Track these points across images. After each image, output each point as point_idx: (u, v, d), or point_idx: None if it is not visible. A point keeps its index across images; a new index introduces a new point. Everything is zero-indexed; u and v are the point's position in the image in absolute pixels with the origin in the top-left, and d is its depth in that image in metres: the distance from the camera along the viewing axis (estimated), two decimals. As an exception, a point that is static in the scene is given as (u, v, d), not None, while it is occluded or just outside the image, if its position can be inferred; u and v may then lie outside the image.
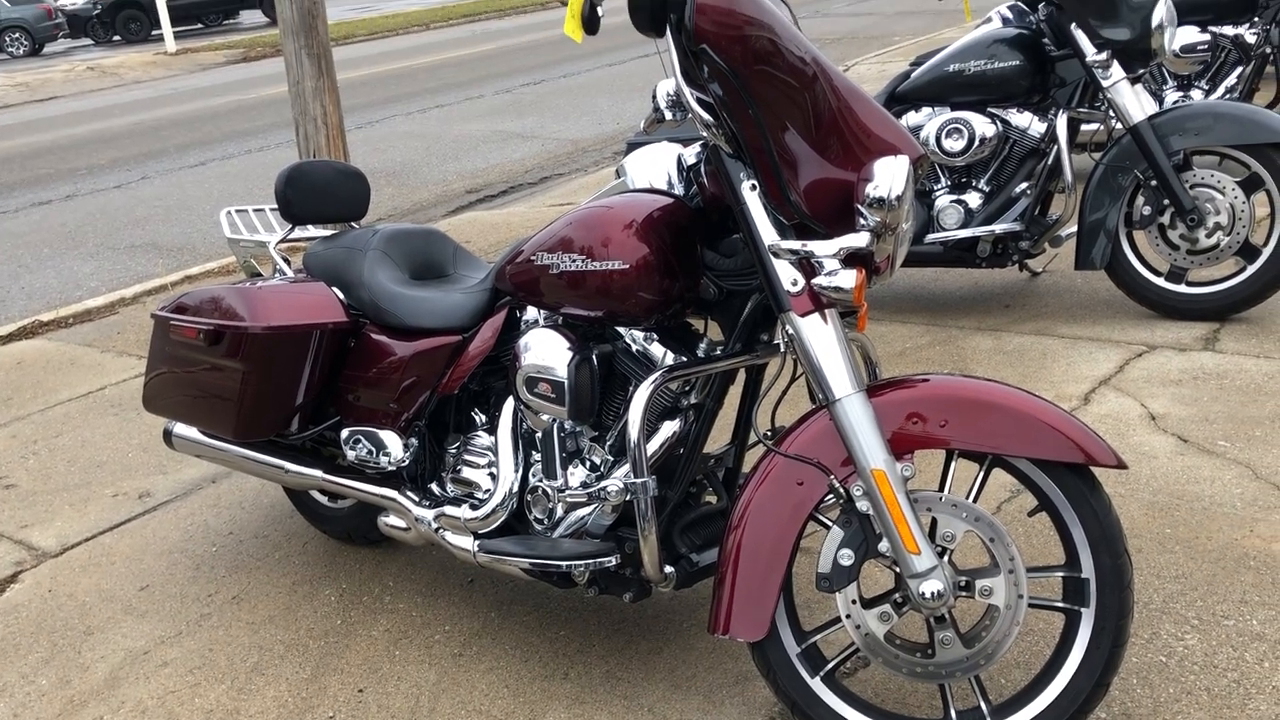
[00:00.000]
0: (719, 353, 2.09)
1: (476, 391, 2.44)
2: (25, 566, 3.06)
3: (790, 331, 1.85)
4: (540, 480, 2.22)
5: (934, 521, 1.88)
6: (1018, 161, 3.90)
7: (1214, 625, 2.25)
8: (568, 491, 2.14)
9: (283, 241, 2.89)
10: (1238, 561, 2.45)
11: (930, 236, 3.95)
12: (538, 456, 2.24)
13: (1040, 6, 3.85)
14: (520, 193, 7.50)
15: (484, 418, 2.43)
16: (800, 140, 1.79)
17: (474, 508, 2.31)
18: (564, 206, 6.47)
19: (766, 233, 1.84)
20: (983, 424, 1.82)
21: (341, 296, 2.59)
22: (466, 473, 2.41)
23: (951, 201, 3.93)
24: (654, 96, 2.04)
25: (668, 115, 2.03)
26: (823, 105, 1.79)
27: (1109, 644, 1.84)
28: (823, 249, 1.78)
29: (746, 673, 2.26)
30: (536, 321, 2.25)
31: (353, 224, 2.86)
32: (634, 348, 2.14)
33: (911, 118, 3.99)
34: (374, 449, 2.49)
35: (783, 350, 2.01)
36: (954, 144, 3.86)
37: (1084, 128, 4.17)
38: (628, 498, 2.06)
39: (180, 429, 2.88)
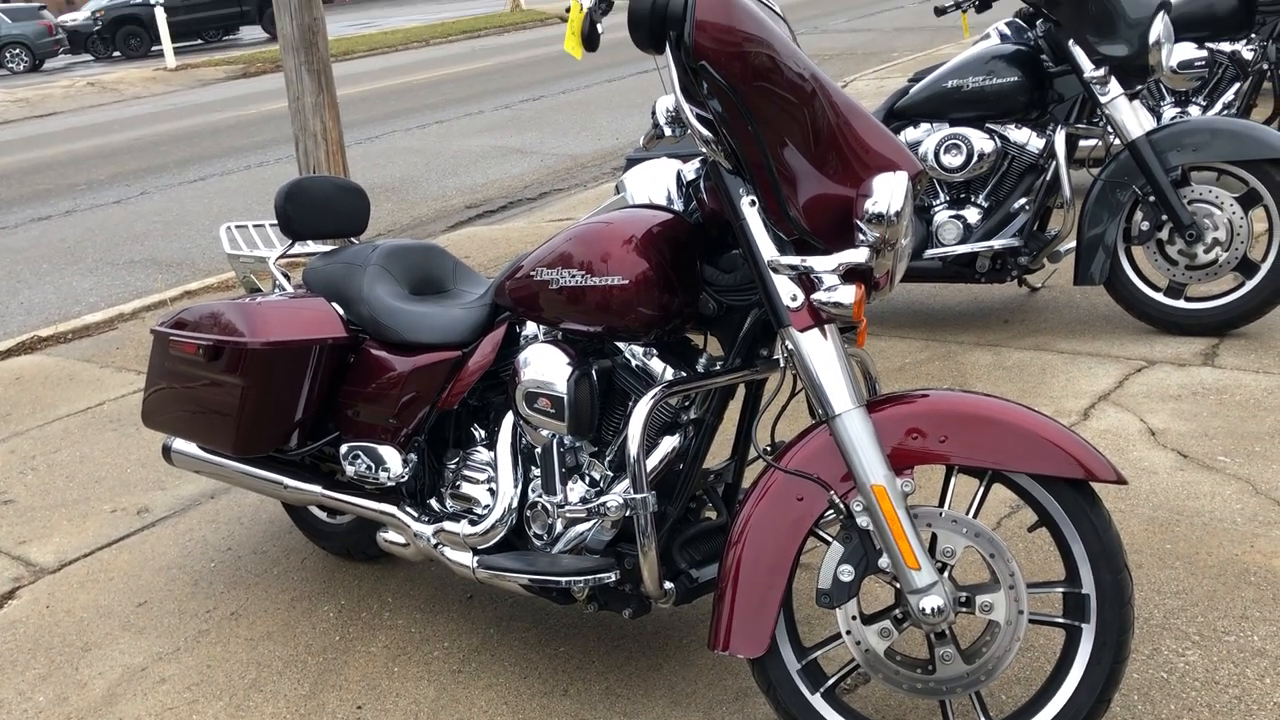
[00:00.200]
0: (718, 368, 2.09)
1: (476, 407, 2.44)
2: (23, 582, 3.06)
3: (790, 347, 1.86)
4: (539, 496, 2.22)
5: (934, 537, 1.88)
6: (1016, 177, 3.91)
7: (1215, 641, 2.24)
8: (567, 507, 2.14)
9: (282, 257, 2.90)
10: (1238, 577, 2.44)
11: (929, 252, 3.95)
12: (537, 472, 2.24)
13: (1038, 23, 3.87)
14: (519, 208, 7.51)
15: (483, 433, 2.43)
16: (799, 156, 1.80)
17: (473, 523, 2.31)
18: (563, 222, 6.48)
19: (766, 248, 1.84)
20: (982, 439, 1.82)
21: (341, 312, 2.59)
22: (466, 488, 2.40)
23: (950, 217, 3.94)
24: (653, 112, 2.05)
25: (667, 131, 2.03)
26: (821, 121, 1.79)
27: (1110, 660, 1.83)
28: (822, 264, 1.79)
29: (746, 689, 2.25)
30: (536, 337, 2.25)
31: (352, 239, 2.86)
32: (633, 363, 2.14)
33: (910, 133, 4.00)
34: (373, 464, 2.49)
35: (782, 365, 2.01)
36: (953, 160, 3.87)
37: (1082, 143, 4.18)
38: (627, 513, 2.05)
39: (179, 444, 2.88)
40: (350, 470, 2.54)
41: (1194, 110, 5.18)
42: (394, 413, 2.46)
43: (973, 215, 3.93)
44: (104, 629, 2.77)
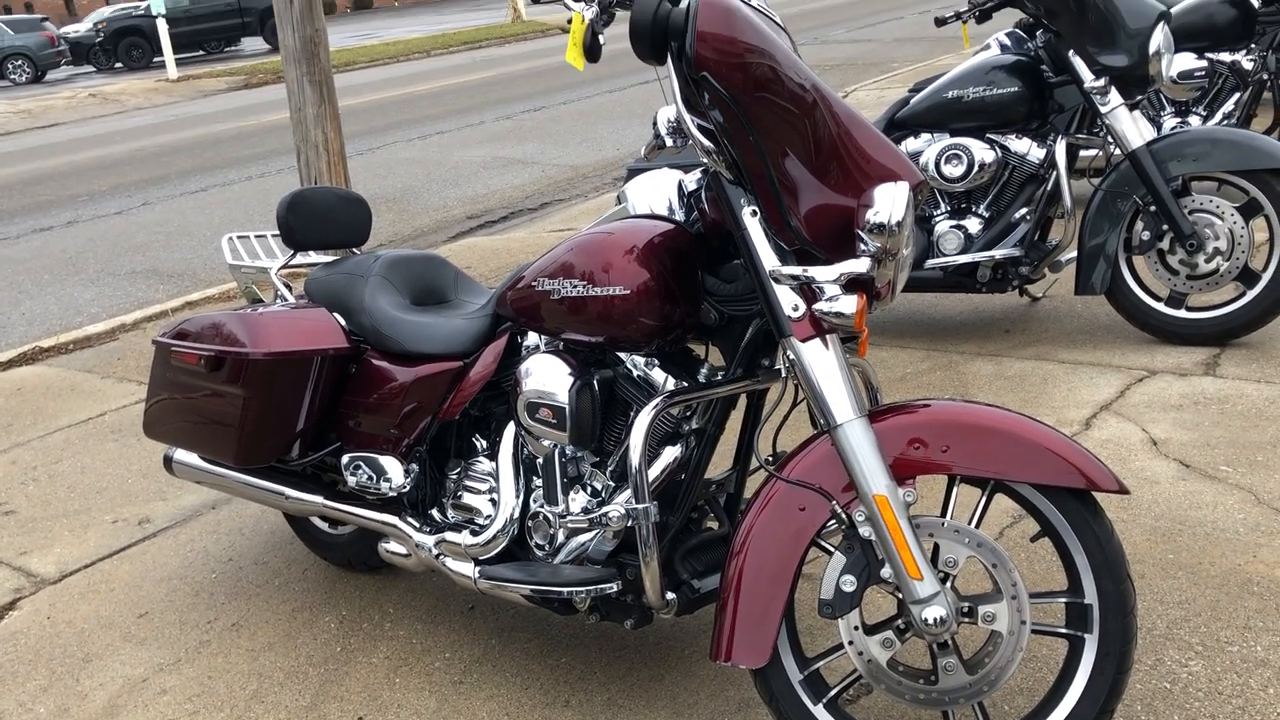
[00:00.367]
0: (720, 378, 2.09)
1: (477, 417, 2.44)
2: (24, 593, 3.05)
3: (791, 357, 1.86)
4: (541, 506, 2.22)
5: (936, 547, 1.87)
6: (1017, 187, 3.91)
7: (1218, 651, 2.24)
8: (569, 517, 2.14)
9: (284, 268, 2.90)
10: (1241, 587, 2.44)
11: (930, 262, 3.95)
12: (539, 482, 2.24)
13: (1038, 33, 3.88)
14: (521, 218, 7.52)
15: (485, 443, 2.43)
16: (800, 166, 1.80)
17: (475, 534, 2.31)
18: (564, 232, 6.48)
19: (767, 258, 1.84)
20: (984, 449, 1.82)
21: (343, 322, 2.60)
22: (467, 498, 2.40)
23: (951, 227, 3.94)
24: (655, 123, 2.05)
25: (668, 142, 2.04)
26: (823, 131, 1.80)
27: (1113, 670, 1.83)
28: (823, 274, 1.79)
29: (749, 700, 2.24)
30: (537, 347, 2.25)
31: (354, 250, 2.87)
32: (635, 373, 2.14)
33: (911, 144, 4.01)
34: (375, 475, 2.49)
35: (784, 375, 2.01)
36: (953, 170, 3.87)
37: (1083, 153, 4.19)
38: (629, 523, 2.05)
39: (180, 455, 2.88)
40: (352, 481, 2.54)
41: (1194, 120, 5.19)
42: (395, 423, 2.46)
43: (974, 225, 3.94)
44: (105, 640, 2.77)
